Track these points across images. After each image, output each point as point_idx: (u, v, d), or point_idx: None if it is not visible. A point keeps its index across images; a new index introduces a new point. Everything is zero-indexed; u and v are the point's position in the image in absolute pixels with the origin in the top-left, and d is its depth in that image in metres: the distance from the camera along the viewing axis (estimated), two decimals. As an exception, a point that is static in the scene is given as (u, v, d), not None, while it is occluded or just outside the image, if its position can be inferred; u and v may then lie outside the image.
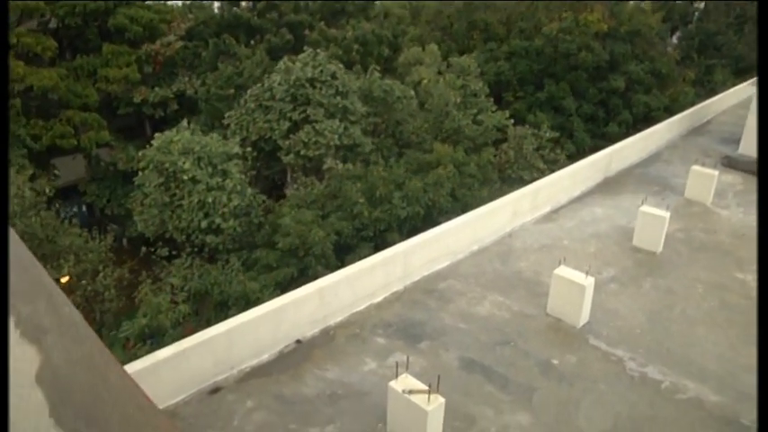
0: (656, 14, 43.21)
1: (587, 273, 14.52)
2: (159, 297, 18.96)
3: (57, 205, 27.16)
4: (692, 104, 38.06)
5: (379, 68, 31.22)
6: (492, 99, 33.36)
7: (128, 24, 34.76)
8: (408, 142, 31.37)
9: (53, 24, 35.47)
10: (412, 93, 30.09)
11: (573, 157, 34.64)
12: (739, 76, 44.43)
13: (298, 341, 13.65)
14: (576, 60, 38.86)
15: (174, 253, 25.61)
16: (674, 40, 48.05)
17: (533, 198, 22.07)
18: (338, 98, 26.76)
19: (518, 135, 31.42)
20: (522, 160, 31.44)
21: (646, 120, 38.53)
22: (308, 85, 26.51)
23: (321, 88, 26.63)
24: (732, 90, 38.08)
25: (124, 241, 41.99)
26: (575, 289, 14.48)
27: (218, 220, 24.38)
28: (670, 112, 38.44)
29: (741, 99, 37.00)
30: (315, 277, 22.83)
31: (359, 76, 29.63)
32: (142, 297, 19.84)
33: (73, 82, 33.41)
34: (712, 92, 40.73)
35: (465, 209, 26.35)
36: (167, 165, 24.33)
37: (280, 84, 27.37)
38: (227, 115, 29.12)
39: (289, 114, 26.78)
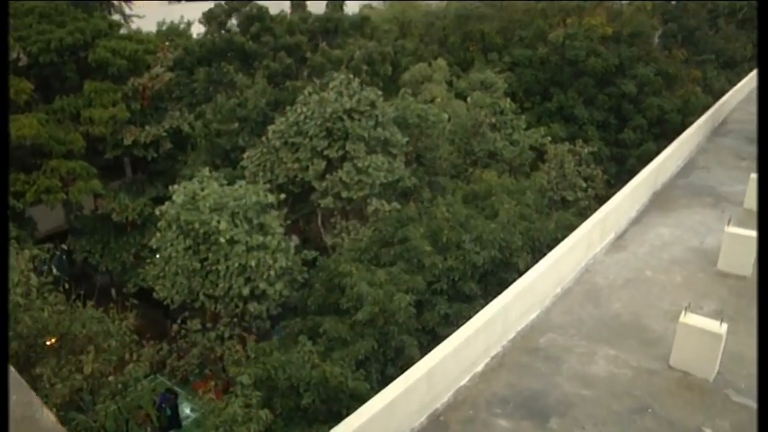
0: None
1: (721, 320, 12.26)
2: (233, 404, 13.83)
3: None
4: (703, 105, 34.89)
5: (382, 88, 26.62)
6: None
7: (110, 58, 29.01)
8: (436, 170, 26.77)
9: (23, 62, 29.39)
10: (445, 116, 25.50)
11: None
12: (723, 70, 41.58)
13: None
14: (584, 67, 35.07)
15: (208, 325, 20.54)
16: (656, 38, 44.92)
17: (602, 226, 18.51)
18: (379, 129, 21.93)
19: (558, 153, 27.27)
20: (562, 180, 27.30)
21: (659, 123, 35.12)
22: (345, 117, 21.57)
23: (360, 120, 21.73)
24: (739, 85, 34.93)
25: (113, 291, 36.34)
26: (707, 339, 12.22)
27: (262, 285, 19.31)
28: (683, 113, 35.17)
29: (745, 94, 34.31)
30: (399, 349, 18.16)
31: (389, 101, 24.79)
32: (205, 403, 14.64)
33: (54, 127, 27.51)
34: (707, 88, 37.68)
35: (534, 245, 22.09)
36: (196, 224, 19.08)
37: (308, 117, 22.33)
38: (245, 156, 23.97)
39: (325, 152, 21.79)
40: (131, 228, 30.57)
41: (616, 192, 32.04)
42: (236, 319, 20.12)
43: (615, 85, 35.35)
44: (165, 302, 22.08)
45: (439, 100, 29.48)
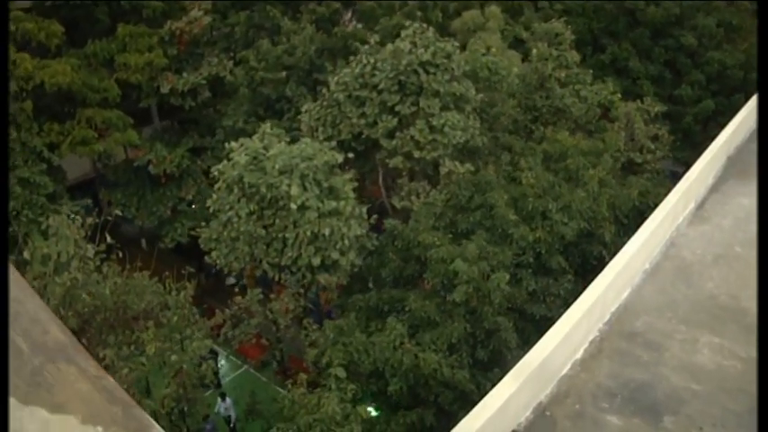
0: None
1: None
2: (331, 401, 11.80)
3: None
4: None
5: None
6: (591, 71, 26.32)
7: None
8: (497, 127, 24.23)
9: (50, 2, 26.36)
10: (515, 69, 22.83)
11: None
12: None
13: None
14: (642, 16, 32.09)
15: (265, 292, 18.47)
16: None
17: (686, 196, 16.49)
18: (454, 84, 19.36)
19: (628, 112, 24.72)
20: (629, 141, 24.83)
21: (719, 79, 32.34)
22: (420, 70, 18.95)
23: (435, 73, 19.12)
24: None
25: (143, 242, 34.32)
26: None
27: (334, 255, 17.10)
28: (744, 69, 32.33)
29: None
30: (490, 331, 16.11)
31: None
32: (296, 399, 12.58)
33: (87, 74, 24.74)
34: None
35: (616, 214, 19.91)
36: (263, 188, 16.73)
37: (376, 69, 19.70)
38: (303, 109, 21.38)
39: (396, 107, 19.27)
40: (167, 180, 28.23)
41: (675, 152, 29.76)
42: (301, 290, 18.01)
43: (673, 37, 32.46)
44: (217, 266, 20.02)
45: (494, 50, 26.61)
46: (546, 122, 25.26)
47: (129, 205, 27.85)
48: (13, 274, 1.67)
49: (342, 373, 12.39)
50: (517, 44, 31.04)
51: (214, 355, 23.08)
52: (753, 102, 22.82)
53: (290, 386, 13.16)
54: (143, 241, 34.16)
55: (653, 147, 25.07)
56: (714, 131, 29.48)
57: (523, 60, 28.37)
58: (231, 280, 29.61)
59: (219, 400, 21.69)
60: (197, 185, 28.17)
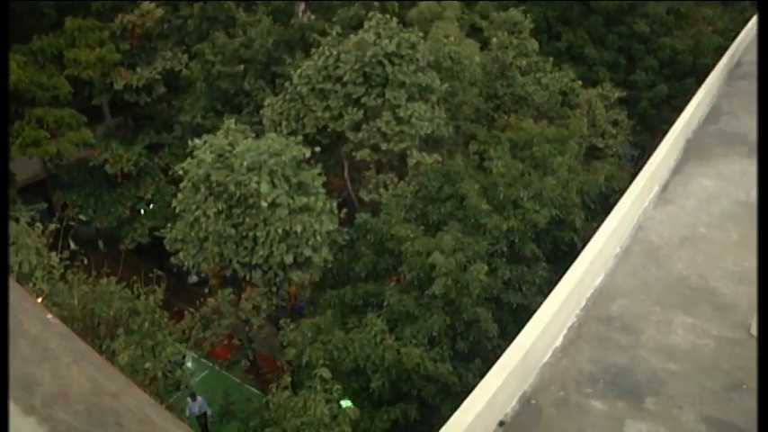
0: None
1: None
2: (318, 403, 11.53)
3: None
4: (714, 45, 32.84)
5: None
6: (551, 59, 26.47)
7: (93, -9, 25.01)
8: (459, 116, 24.19)
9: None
10: (477, 58, 22.77)
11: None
12: (726, 8, 38.95)
13: (501, 423, 9.89)
14: (596, 5, 32.50)
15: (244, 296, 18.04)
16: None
17: (651, 179, 16.80)
18: (419, 74, 19.17)
19: (589, 98, 24.99)
20: (591, 127, 25.13)
21: (671, 64, 33.05)
22: (385, 61, 18.68)
23: (400, 64, 18.88)
24: (750, 24, 32.93)
25: (100, 243, 33.32)
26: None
27: (307, 252, 16.76)
28: (694, 54, 33.13)
29: (755, 33, 32.47)
30: (470, 323, 16.07)
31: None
32: (282, 403, 12.22)
33: (35, 71, 23.61)
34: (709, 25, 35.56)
35: (584, 200, 20.13)
36: (231, 186, 16.26)
37: (340, 61, 19.34)
38: (266, 103, 20.87)
39: (362, 100, 18.97)
40: (124, 179, 27.27)
41: (632, 137, 30.24)
42: (274, 289, 17.63)
43: (626, 25, 33.02)
44: (184, 267, 19.45)
45: (452, 39, 26.48)
46: (508, 110, 25.37)
47: (85, 207, 26.82)
48: (93, 356, 1.32)
49: (327, 373, 12.11)
50: (474, 33, 31.06)
51: (181, 356, 22.54)
52: (706, 86, 23.38)
53: (273, 389, 12.82)
54: (100, 243, 33.09)
55: (614, 131, 25.45)
56: (668, 115, 30.17)
57: (481, 49, 28.41)
58: (193, 278, 28.97)
59: (189, 400, 21.15)
60: (156, 184, 27.33)
